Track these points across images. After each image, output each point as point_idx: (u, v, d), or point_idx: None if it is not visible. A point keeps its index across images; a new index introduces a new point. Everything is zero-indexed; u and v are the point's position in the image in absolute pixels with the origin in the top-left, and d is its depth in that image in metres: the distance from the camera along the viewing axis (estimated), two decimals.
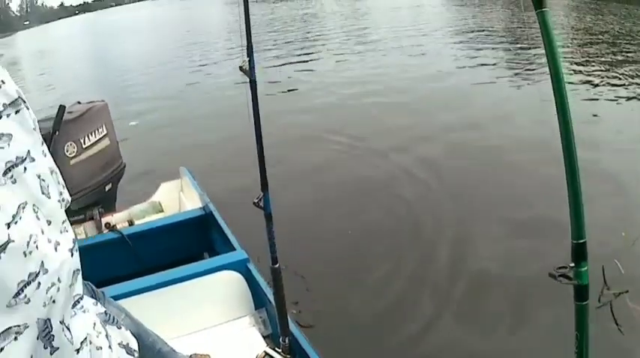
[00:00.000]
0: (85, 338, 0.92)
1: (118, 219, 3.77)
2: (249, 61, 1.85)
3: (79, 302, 0.93)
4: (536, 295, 3.45)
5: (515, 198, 4.92)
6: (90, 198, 3.74)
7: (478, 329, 3.36)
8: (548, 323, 3.22)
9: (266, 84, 9.88)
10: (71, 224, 3.17)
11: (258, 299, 2.74)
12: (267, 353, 2.34)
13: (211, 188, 4.03)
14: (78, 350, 0.88)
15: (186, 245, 3.40)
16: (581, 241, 1.27)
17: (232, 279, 2.72)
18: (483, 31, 15.13)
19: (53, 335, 0.80)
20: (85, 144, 3.69)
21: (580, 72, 9.30)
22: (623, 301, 3.39)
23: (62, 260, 0.85)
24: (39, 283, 0.76)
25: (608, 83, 8.56)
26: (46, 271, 0.78)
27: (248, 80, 1.86)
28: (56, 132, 3.48)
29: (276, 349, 2.36)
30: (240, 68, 1.85)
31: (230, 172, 5.66)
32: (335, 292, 3.74)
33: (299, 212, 4.88)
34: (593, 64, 9.98)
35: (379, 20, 21.12)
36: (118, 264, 3.14)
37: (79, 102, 3.97)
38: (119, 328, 1.19)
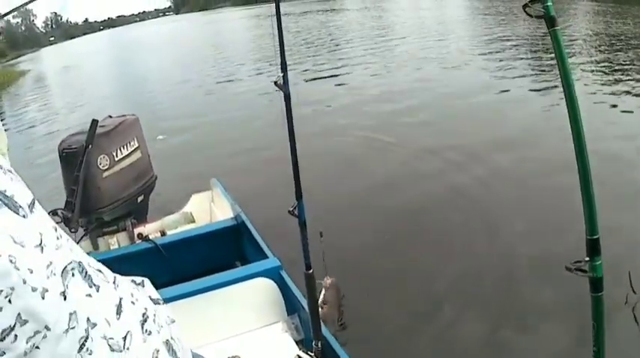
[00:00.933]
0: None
1: (150, 229, 3.87)
2: (284, 76, 1.93)
3: None
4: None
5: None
6: (122, 209, 3.84)
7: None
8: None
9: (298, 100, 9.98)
10: (104, 234, 3.26)
11: (291, 305, 2.80)
12: (299, 357, 2.40)
13: (244, 197, 4.11)
14: None
15: (219, 254, 3.47)
16: (595, 237, 1.35)
17: (265, 286, 2.79)
18: (509, 40, 15.04)
19: None
20: (117, 156, 3.79)
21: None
22: None
23: None
24: None
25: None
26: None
27: (283, 94, 1.94)
28: (89, 145, 3.58)
29: (309, 353, 2.42)
30: (275, 83, 1.93)
31: (262, 182, 5.69)
32: (369, 297, 3.78)
33: (334, 220, 4.96)
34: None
35: (406, 30, 21.12)
36: (151, 273, 3.18)
37: (110, 117, 4.07)
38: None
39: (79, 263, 0.88)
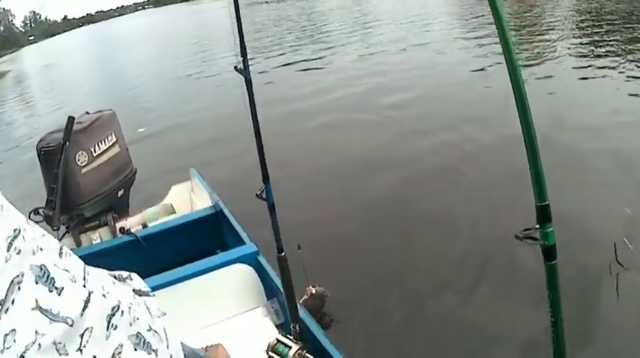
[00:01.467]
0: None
1: (131, 223, 3.88)
2: (243, 60, 1.95)
3: None
4: None
5: None
6: (103, 204, 3.85)
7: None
8: None
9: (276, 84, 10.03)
10: (86, 231, 3.27)
11: (270, 290, 2.82)
12: (278, 340, 2.41)
13: (222, 185, 4.14)
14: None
15: (199, 243, 3.47)
16: (545, 203, 1.31)
17: (243, 272, 2.81)
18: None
19: None
20: (95, 152, 3.79)
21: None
22: (634, 278, 3.45)
23: None
24: None
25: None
26: None
27: (244, 79, 1.95)
28: (67, 142, 3.57)
29: (288, 336, 2.44)
30: (235, 68, 1.95)
31: (240, 169, 5.67)
32: (344, 277, 3.85)
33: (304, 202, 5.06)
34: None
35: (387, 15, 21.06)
36: (133, 265, 3.22)
37: (87, 113, 4.06)
38: (124, 282, 1.27)
39: (41, 266, 0.89)
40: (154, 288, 2.66)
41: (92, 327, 0.95)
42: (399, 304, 3.59)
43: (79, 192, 3.70)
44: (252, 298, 2.82)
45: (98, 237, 3.82)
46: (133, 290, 1.26)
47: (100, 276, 1.10)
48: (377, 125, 7.31)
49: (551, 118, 5.65)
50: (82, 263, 1.04)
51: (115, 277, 1.24)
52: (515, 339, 3.15)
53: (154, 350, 1.09)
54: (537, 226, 1.33)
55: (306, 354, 2.38)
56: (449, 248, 4.09)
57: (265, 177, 2.15)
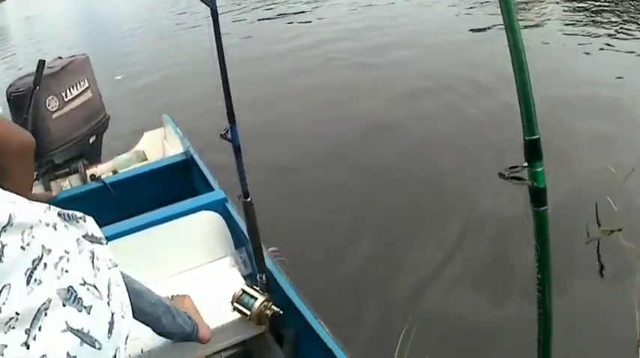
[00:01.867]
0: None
1: (102, 170, 3.78)
2: None
3: None
4: None
5: None
6: (74, 150, 3.74)
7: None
8: None
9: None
10: (56, 178, 3.16)
11: (238, 239, 2.75)
12: (244, 291, 2.36)
13: (197, 133, 4.09)
14: None
15: (169, 190, 3.39)
16: (534, 137, 1.14)
17: (211, 219, 2.74)
18: None
19: None
20: (66, 97, 3.66)
21: None
22: (616, 239, 3.44)
23: None
24: None
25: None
26: None
27: (210, 11, 1.84)
28: (37, 87, 3.45)
29: (254, 287, 2.38)
30: None
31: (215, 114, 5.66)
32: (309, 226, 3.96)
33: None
34: None
35: None
36: (102, 212, 3.15)
37: (60, 58, 3.94)
38: (77, 222, 1.20)
39: None
40: (121, 234, 2.62)
41: (10, 284, 0.89)
42: (372, 254, 3.65)
43: (50, 138, 3.60)
44: (221, 247, 2.76)
45: (68, 185, 3.73)
46: (85, 235, 1.18)
47: (31, 222, 1.00)
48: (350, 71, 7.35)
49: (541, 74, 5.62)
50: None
51: (67, 217, 1.16)
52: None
53: (85, 307, 1.00)
54: (525, 164, 1.15)
55: (272, 306, 2.34)
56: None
57: (231, 118, 2.05)
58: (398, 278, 3.43)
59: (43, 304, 0.92)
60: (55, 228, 1.07)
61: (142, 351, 2.23)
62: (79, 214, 1.20)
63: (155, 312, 2.02)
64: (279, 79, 7.45)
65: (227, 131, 2.05)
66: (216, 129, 2.15)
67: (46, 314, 0.92)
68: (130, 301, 1.22)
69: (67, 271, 1.01)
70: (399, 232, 3.84)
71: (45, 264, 0.97)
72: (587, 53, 6.89)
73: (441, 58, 7.35)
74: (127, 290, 1.25)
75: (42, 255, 0.97)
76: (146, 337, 2.20)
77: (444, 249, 3.64)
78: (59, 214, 1.15)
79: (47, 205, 1.14)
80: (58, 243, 1.04)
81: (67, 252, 1.04)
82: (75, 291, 1.00)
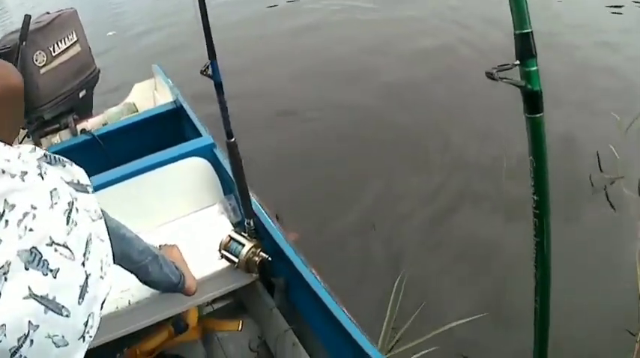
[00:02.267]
0: None
1: (93, 123, 3.73)
2: None
3: None
4: None
5: None
6: (64, 105, 3.67)
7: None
8: None
9: None
10: (46, 134, 3.09)
11: (227, 186, 2.70)
12: (231, 238, 2.30)
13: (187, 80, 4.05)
14: None
15: (159, 140, 3.29)
16: (526, 31, 0.99)
17: (199, 166, 2.67)
18: None
19: None
20: (54, 52, 3.59)
21: None
22: (618, 187, 3.43)
23: None
24: None
25: None
26: None
27: None
28: (23, 42, 3.39)
29: (242, 233, 2.33)
30: None
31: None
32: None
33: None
34: None
35: None
36: (91, 165, 3.10)
37: (47, 13, 3.87)
38: (64, 166, 1.13)
39: None
40: (107, 184, 2.55)
41: None
42: (359, 203, 3.71)
43: (38, 94, 3.53)
44: (209, 193, 2.70)
45: (59, 140, 3.70)
46: (70, 181, 1.09)
47: None
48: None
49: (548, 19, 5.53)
50: None
51: (52, 159, 1.08)
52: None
53: (51, 271, 0.90)
54: (517, 62, 1.02)
55: (260, 252, 2.29)
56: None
57: (211, 53, 1.96)
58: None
59: (2, 268, 0.83)
60: (22, 179, 0.95)
61: (129, 303, 2.19)
62: (67, 160, 1.12)
63: (142, 260, 1.98)
64: (268, 22, 7.55)
65: (207, 67, 1.96)
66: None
67: (5, 279, 0.83)
68: (116, 249, 1.14)
69: (31, 230, 0.90)
70: (391, 166, 4.00)
71: (6, 221, 0.87)
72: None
73: None
74: (114, 238, 1.17)
75: (3, 210, 0.87)
76: (134, 289, 2.16)
77: (436, 179, 3.82)
78: (45, 155, 1.06)
79: (32, 146, 1.05)
80: (23, 196, 0.93)
81: (35, 208, 0.93)
82: (39, 253, 0.90)
